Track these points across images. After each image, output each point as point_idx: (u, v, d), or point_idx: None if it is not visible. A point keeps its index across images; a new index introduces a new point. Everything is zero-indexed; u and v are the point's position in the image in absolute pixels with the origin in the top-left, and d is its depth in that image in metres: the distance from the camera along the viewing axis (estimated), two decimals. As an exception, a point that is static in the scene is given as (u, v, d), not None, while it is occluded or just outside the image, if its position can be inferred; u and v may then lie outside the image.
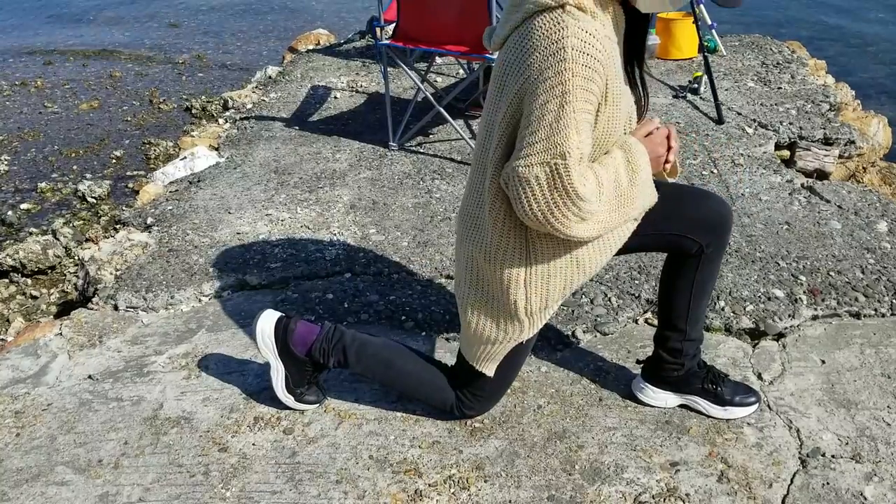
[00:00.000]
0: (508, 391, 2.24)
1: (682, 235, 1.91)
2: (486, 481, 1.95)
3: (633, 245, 1.91)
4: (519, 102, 1.58)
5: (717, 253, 1.95)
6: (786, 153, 3.93)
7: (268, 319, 2.10)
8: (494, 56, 3.47)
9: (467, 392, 2.04)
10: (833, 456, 2.00)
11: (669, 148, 1.80)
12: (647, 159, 1.72)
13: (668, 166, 1.81)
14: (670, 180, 1.88)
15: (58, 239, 3.80)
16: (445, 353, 2.43)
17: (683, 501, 1.88)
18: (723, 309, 2.58)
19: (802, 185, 3.47)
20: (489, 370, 1.96)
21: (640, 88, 1.82)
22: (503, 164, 1.67)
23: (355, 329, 2.25)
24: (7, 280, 3.60)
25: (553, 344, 2.46)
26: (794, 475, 1.94)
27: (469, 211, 1.83)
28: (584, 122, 1.54)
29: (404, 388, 2.12)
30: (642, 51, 1.79)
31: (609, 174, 1.64)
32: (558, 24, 1.50)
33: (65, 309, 3.17)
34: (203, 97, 6.09)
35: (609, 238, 1.83)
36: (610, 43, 1.57)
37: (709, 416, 2.12)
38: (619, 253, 1.93)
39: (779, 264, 2.80)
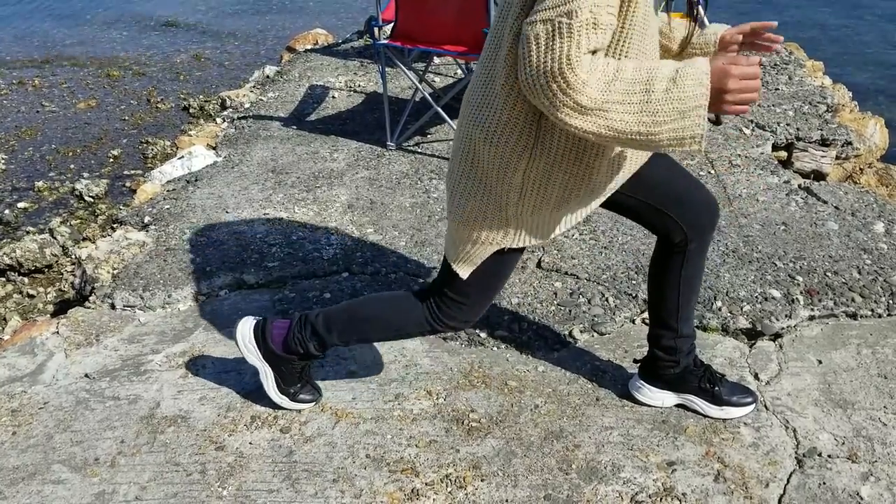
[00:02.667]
0: (506, 389, 2.24)
1: (672, 218, 1.90)
2: (482, 480, 1.95)
3: (627, 205, 1.89)
4: None
5: (700, 249, 1.96)
6: (783, 154, 3.93)
7: (246, 325, 2.10)
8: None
9: (448, 299, 1.90)
10: (829, 456, 2.00)
11: (749, 93, 1.47)
12: (704, 80, 1.43)
13: (737, 108, 1.48)
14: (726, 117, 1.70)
15: (55, 238, 3.79)
16: (443, 352, 2.44)
17: (680, 501, 1.88)
18: (720, 309, 2.58)
19: (799, 185, 3.48)
20: (464, 271, 1.82)
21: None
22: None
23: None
24: (4, 279, 3.59)
25: (550, 344, 2.47)
26: (790, 475, 1.95)
27: (476, 89, 1.68)
28: None
29: (381, 331, 2.02)
30: None
31: (640, 73, 1.42)
32: None
33: (62, 308, 3.16)
34: (201, 96, 6.09)
35: (622, 158, 1.73)
36: None
37: (705, 416, 2.12)
38: (610, 206, 1.90)
39: (776, 265, 2.80)
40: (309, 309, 2.66)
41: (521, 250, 1.85)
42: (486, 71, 1.66)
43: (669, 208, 1.91)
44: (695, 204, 1.92)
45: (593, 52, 1.42)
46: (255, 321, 2.11)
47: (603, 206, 1.90)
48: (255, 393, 2.26)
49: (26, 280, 3.59)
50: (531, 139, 1.63)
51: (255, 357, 2.09)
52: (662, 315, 2.04)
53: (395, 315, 1.98)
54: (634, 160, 1.80)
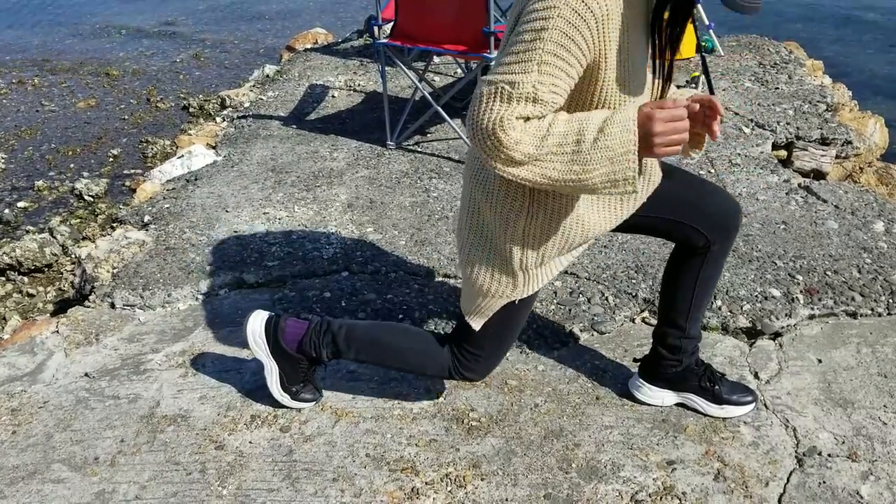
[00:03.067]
0: (506, 389, 2.24)
1: (691, 226, 1.90)
2: (482, 479, 1.95)
3: (642, 225, 1.91)
4: (514, 28, 1.53)
5: (723, 251, 1.95)
6: (783, 153, 3.93)
7: (257, 320, 2.10)
8: (492, 55, 3.47)
9: (466, 352, 1.98)
10: (829, 455, 2.00)
11: (680, 134, 1.52)
12: (631, 127, 1.48)
13: (667, 150, 1.54)
14: (693, 155, 1.73)
15: (55, 237, 3.79)
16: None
17: (680, 500, 1.88)
18: (720, 308, 2.58)
19: (799, 184, 3.48)
20: (476, 324, 1.90)
21: (660, 48, 1.65)
22: None
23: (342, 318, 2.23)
24: (4, 278, 3.59)
25: (550, 343, 2.47)
26: (790, 474, 1.95)
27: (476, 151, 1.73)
28: (551, 66, 1.45)
29: (399, 363, 2.07)
30: (673, 32, 1.64)
31: (571, 125, 1.50)
32: None
33: (61, 307, 3.16)
34: (200, 96, 6.09)
35: (615, 205, 1.79)
36: (615, 4, 1.47)
37: (705, 415, 2.12)
38: (626, 230, 1.93)
39: (776, 264, 2.80)
40: (309, 308, 2.66)
41: (530, 300, 1.91)
42: None
43: (687, 219, 1.91)
44: (713, 209, 1.91)
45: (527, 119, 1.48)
46: (266, 316, 2.10)
47: (618, 230, 1.93)
48: (255, 392, 2.26)
49: (26, 279, 3.59)
50: (527, 198, 1.70)
51: (263, 353, 2.09)
52: (672, 314, 2.04)
53: (420, 355, 2.03)
54: (633, 199, 1.82)
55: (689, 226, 1.91)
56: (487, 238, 1.80)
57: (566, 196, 1.71)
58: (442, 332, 2.08)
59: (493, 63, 1.59)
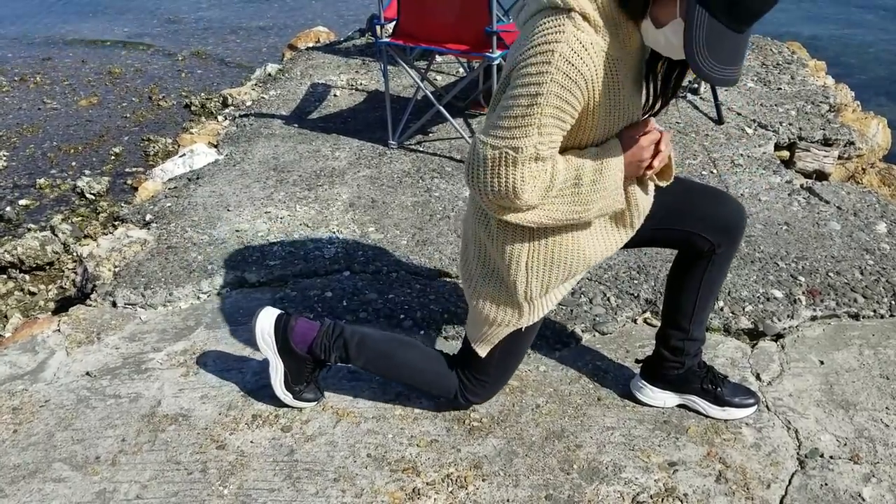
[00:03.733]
0: (507, 389, 2.24)
1: (696, 233, 1.91)
2: (483, 480, 1.95)
3: (646, 239, 1.93)
4: (506, 84, 1.61)
5: (728, 254, 1.95)
6: (785, 154, 3.93)
7: (267, 317, 2.10)
8: (494, 54, 3.47)
9: (472, 377, 2.03)
10: (831, 457, 2.00)
11: (658, 153, 1.73)
12: (620, 164, 1.69)
13: (648, 172, 1.75)
14: (662, 185, 1.85)
15: (56, 235, 3.79)
16: (444, 350, 2.43)
17: (681, 501, 1.87)
18: (722, 309, 2.58)
19: (802, 185, 3.47)
20: (482, 351, 1.96)
21: (654, 97, 1.77)
22: None
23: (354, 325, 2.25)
24: (5, 276, 3.59)
25: (552, 343, 2.46)
26: (792, 476, 1.94)
27: (472, 193, 1.82)
28: (549, 126, 1.55)
29: (407, 378, 2.11)
30: (667, 86, 1.75)
31: (569, 171, 1.64)
32: (558, 27, 1.51)
33: (63, 305, 3.16)
34: (202, 94, 6.08)
35: (613, 233, 1.85)
36: (606, 59, 1.55)
37: (707, 417, 2.12)
38: (632, 246, 1.95)
39: (778, 265, 2.80)
40: (310, 308, 2.66)
41: (535, 327, 1.97)
42: None
43: (691, 227, 1.92)
44: (716, 214, 1.92)
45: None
46: (277, 314, 2.11)
47: (625, 247, 1.95)
48: (256, 391, 2.26)
49: (28, 277, 3.59)
50: (527, 234, 1.77)
51: (270, 350, 2.10)
52: (676, 316, 2.04)
53: (429, 375, 2.08)
54: (628, 230, 1.87)
55: (693, 233, 1.92)
56: (492, 270, 1.86)
57: (566, 230, 1.77)
58: (451, 355, 2.12)
59: (488, 119, 1.66)
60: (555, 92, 1.51)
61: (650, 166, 1.74)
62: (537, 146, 1.56)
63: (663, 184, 1.85)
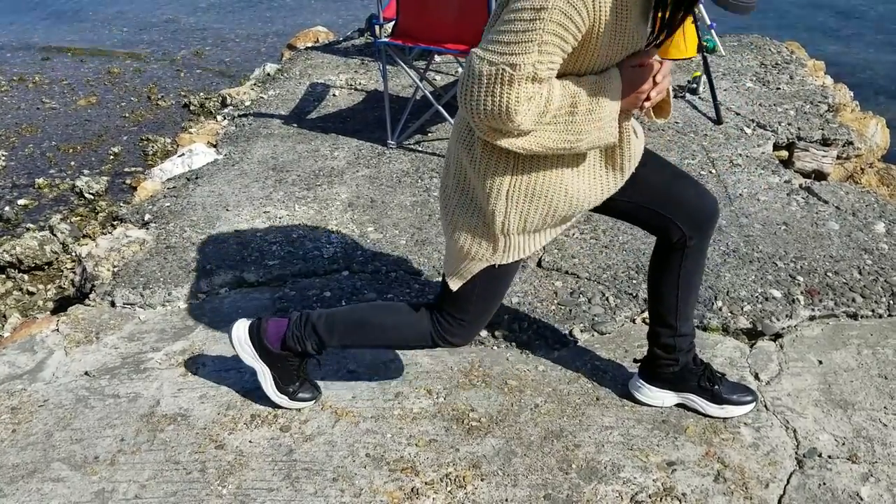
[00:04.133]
0: (506, 389, 2.24)
1: (668, 218, 1.91)
2: (482, 480, 1.95)
3: (621, 210, 1.92)
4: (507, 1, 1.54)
5: (700, 248, 1.96)
6: (784, 154, 3.93)
7: (240, 327, 2.11)
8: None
9: (448, 316, 1.95)
10: (829, 456, 2.00)
11: (656, 86, 1.69)
12: (618, 94, 1.63)
13: (646, 104, 1.70)
14: (658, 121, 1.81)
15: (55, 235, 3.79)
16: (443, 351, 2.43)
17: (680, 501, 1.88)
18: (720, 309, 2.58)
19: (800, 185, 3.47)
20: (454, 284, 1.89)
21: (659, 29, 1.69)
22: None
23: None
24: (4, 276, 3.59)
25: (550, 343, 2.46)
26: (790, 475, 1.95)
27: (463, 113, 1.72)
28: (550, 45, 1.48)
29: (382, 339, 2.05)
30: (675, 14, 1.65)
31: (565, 98, 1.58)
32: None
33: (62, 305, 3.16)
34: (201, 94, 6.09)
35: (602, 174, 1.80)
36: None
37: (706, 415, 2.12)
38: (606, 212, 1.93)
39: (776, 265, 2.80)
40: (309, 307, 2.66)
41: (513, 268, 1.90)
42: None
43: (665, 209, 1.91)
44: (692, 203, 1.92)
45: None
46: (248, 322, 2.12)
47: (598, 210, 1.92)
48: (254, 391, 2.26)
49: (26, 277, 3.59)
50: (511, 161, 1.70)
51: (251, 358, 2.10)
52: (661, 313, 2.04)
53: (400, 326, 2.01)
54: (617, 175, 1.83)
55: (666, 217, 1.91)
56: (471, 200, 1.80)
57: (551, 162, 1.71)
58: (416, 302, 2.06)
59: (488, 30, 1.59)
60: (560, 7, 1.45)
61: (648, 97, 1.69)
62: (536, 65, 1.49)
63: (660, 120, 1.82)
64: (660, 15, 1.67)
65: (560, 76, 1.60)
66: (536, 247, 1.86)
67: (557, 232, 1.88)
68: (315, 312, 2.07)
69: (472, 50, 1.55)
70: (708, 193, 1.96)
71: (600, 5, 1.48)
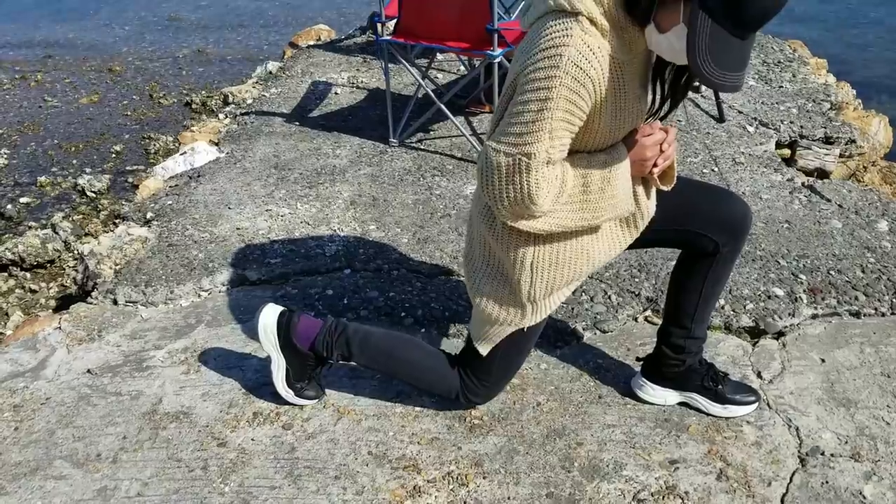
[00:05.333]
0: (508, 387, 2.24)
1: (700, 233, 1.91)
2: (484, 478, 1.95)
3: (650, 239, 1.93)
4: (513, 90, 1.60)
5: (733, 254, 1.95)
6: (787, 152, 3.92)
7: (270, 314, 2.10)
8: (495, 52, 3.47)
9: (473, 377, 2.03)
10: (832, 455, 2.00)
11: (662, 153, 1.76)
12: (627, 169, 1.71)
13: (655, 170, 1.76)
14: (664, 188, 1.84)
15: (57, 233, 3.79)
16: (446, 349, 2.43)
17: (682, 499, 1.87)
18: (723, 307, 2.57)
19: (803, 183, 3.47)
20: (483, 349, 1.95)
21: (661, 101, 1.78)
22: None
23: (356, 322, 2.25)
24: (6, 274, 3.59)
25: (553, 341, 2.46)
26: (793, 474, 1.94)
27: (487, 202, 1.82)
28: (559, 130, 1.55)
29: (408, 377, 2.11)
30: (669, 72, 1.74)
31: (578, 178, 1.66)
32: (565, 30, 1.50)
33: (64, 303, 3.17)
34: (203, 92, 6.09)
35: (619, 234, 1.85)
36: (612, 62, 1.55)
37: (708, 414, 2.12)
38: (636, 246, 1.95)
39: (779, 263, 2.80)
40: (311, 306, 2.66)
41: (539, 327, 1.96)
42: None
43: (695, 226, 1.92)
44: (720, 212, 1.91)
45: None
46: (280, 311, 2.11)
47: (630, 247, 1.95)
48: (257, 389, 2.26)
49: (28, 275, 3.59)
50: (531, 235, 1.76)
51: (272, 347, 2.10)
52: (678, 314, 2.04)
53: (431, 374, 2.08)
54: (633, 231, 1.88)
55: (695, 233, 1.92)
56: (496, 269, 1.86)
57: (570, 232, 1.77)
58: (454, 354, 2.11)
59: (496, 122, 1.67)
60: (564, 95, 1.51)
61: (655, 164, 1.75)
62: (549, 150, 1.56)
63: (665, 187, 1.84)
64: (659, 86, 1.75)
65: (570, 154, 1.66)
66: (559, 303, 1.92)
67: (578, 284, 1.94)
68: (352, 326, 2.10)
69: (487, 143, 1.63)
70: (735, 198, 1.95)
71: (600, 87, 1.54)
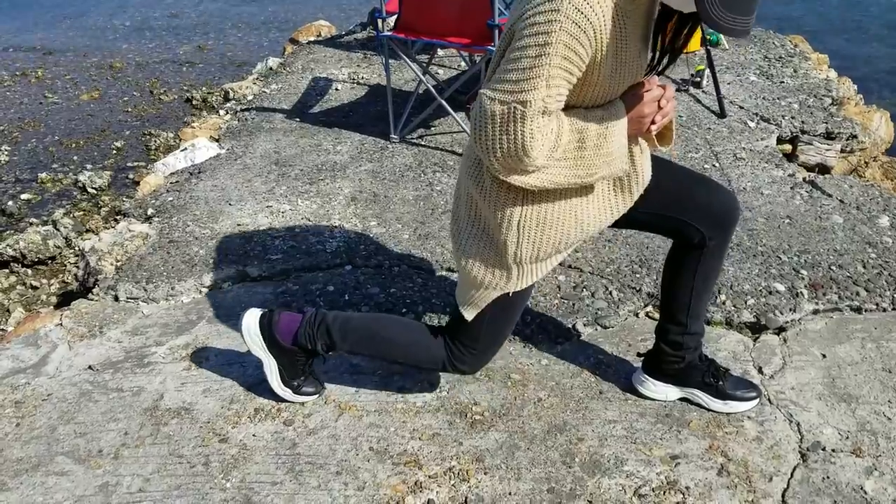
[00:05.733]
0: (509, 383, 2.24)
1: (687, 222, 1.90)
2: (485, 473, 1.95)
3: (638, 221, 1.91)
4: (511, 37, 1.55)
5: (721, 247, 1.95)
6: (788, 147, 3.92)
7: (251, 316, 2.10)
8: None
9: (460, 345, 1.98)
10: (833, 450, 2.00)
11: (660, 110, 1.69)
12: (624, 125, 1.65)
13: (653, 128, 1.70)
14: (662, 149, 1.80)
15: (58, 229, 3.80)
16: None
17: (683, 494, 1.88)
18: (724, 303, 2.57)
19: (804, 179, 3.47)
20: (469, 314, 1.90)
21: (659, 55, 1.73)
22: None
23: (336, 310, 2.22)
24: (7, 270, 3.59)
25: (553, 337, 2.46)
26: (794, 469, 1.94)
27: (471, 146, 1.78)
28: (558, 78, 1.50)
29: (394, 355, 2.06)
30: (672, 24, 1.70)
31: (573, 133, 1.60)
32: None
33: (65, 299, 3.17)
34: (204, 88, 6.09)
35: (611, 199, 1.81)
36: (616, 10, 1.49)
37: (709, 410, 2.12)
38: (623, 226, 1.93)
39: (780, 258, 2.79)
40: (312, 302, 2.66)
41: (525, 294, 1.91)
42: None
43: (683, 214, 1.90)
44: (709, 203, 1.90)
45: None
46: (261, 313, 2.11)
47: (614, 225, 1.93)
48: (258, 385, 2.26)
49: (30, 272, 3.59)
50: (520, 193, 1.72)
51: (259, 349, 2.09)
52: (673, 310, 2.03)
53: (414, 346, 2.03)
54: (626, 197, 1.84)
55: (684, 221, 1.91)
56: (483, 231, 1.81)
57: (560, 191, 1.72)
58: (436, 324, 2.08)
59: (493, 70, 1.61)
60: (563, 41, 1.46)
61: (653, 122, 1.69)
62: (545, 99, 1.50)
63: (664, 148, 1.80)
64: (660, 41, 1.70)
65: (566, 109, 1.61)
66: (547, 270, 1.87)
67: (568, 254, 1.89)
68: (331, 314, 2.07)
69: (481, 91, 1.56)
70: (724, 191, 1.94)
71: (601, 35, 1.49)
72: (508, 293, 1.86)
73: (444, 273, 2.83)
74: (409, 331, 2.06)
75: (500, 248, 1.79)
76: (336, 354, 2.22)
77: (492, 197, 1.73)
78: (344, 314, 2.09)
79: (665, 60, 1.74)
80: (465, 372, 2.05)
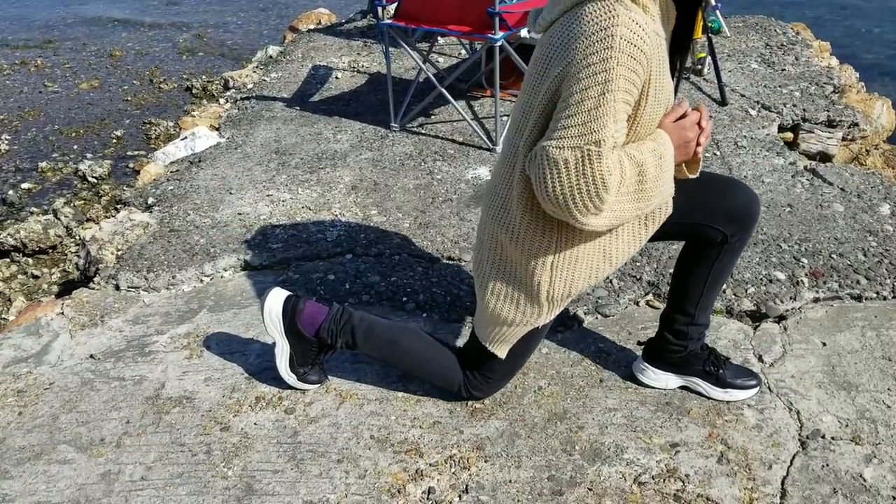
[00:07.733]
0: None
1: (709, 225, 1.90)
2: (486, 461, 1.96)
3: (659, 233, 1.89)
4: (559, 85, 1.56)
5: (741, 243, 1.94)
6: (789, 135, 3.91)
7: (276, 298, 2.10)
8: (497, 36, 3.45)
9: (477, 373, 2.04)
10: (833, 438, 2.00)
11: (702, 130, 1.73)
12: (672, 153, 1.68)
13: (699, 149, 1.73)
14: (691, 176, 1.81)
15: (59, 219, 3.80)
16: (447, 334, 2.44)
17: (683, 482, 1.88)
18: (724, 291, 2.57)
19: (805, 167, 3.46)
20: (501, 352, 1.96)
21: (677, 78, 1.77)
22: None
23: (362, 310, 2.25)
24: (8, 259, 3.60)
25: (554, 325, 2.46)
26: (793, 457, 1.95)
27: (497, 192, 1.80)
28: (621, 112, 1.52)
29: (411, 367, 2.11)
30: (687, 44, 1.75)
31: (634, 167, 1.61)
32: (609, 11, 1.48)
33: (66, 288, 3.17)
34: (203, 77, 6.07)
35: (639, 231, 1.82)
36: (657, 38, 1.53)
37: (709, 398, 2.12)
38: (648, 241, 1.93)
39: (781, 247, 2.79)
40: (313, 291, 2.66)
41: (549, 323, 1.95)
42: (504, 179, 1.78)
43: (703, 219, 1.90)
44: (734, 207, 1.89)
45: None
46: (286, 296, 2.11)
47: None
48: (259, 374, 2.27)
49: (31, 261, 3.60)
50: (553, 237, 1.75)
51: (277, 331, 2.10)
52: (682, 301, 2.03)
53: (434, 366, 2.08)
54: (650, 226, 1.84)
55: (706, 226, 1.90)
56: (511, 273, 1.84)
57: (592, 233, 1.75)
58: (458, 348, 2.12)
59: (532, 129, 1.64)
60: (623, 74, 1.48)
61: (698, 143, 1.72)
62: (615, 135, 1.52)
63: (693, 175, 1.81)
64: (678, 62, 1.74)
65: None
66: (572, 298, 1.90)
67: (598, 281, 1.91)
68: (357, 314, 2.10)
69: (543, 146, 1.56)
70: (742, 187, 1.92)
71: (650, 62, 1.52)
72: (538, 327, 1.91)
73: (444, 261, 2.83)
74: (432, 349, 2.10)
75: (533, 290, 1.82)
76: (351, 352, 2.24)
77: (525, 242, 1.76)
78: (370, 317, 2.11)
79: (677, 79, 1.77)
80: (476, 398, 2.12)
